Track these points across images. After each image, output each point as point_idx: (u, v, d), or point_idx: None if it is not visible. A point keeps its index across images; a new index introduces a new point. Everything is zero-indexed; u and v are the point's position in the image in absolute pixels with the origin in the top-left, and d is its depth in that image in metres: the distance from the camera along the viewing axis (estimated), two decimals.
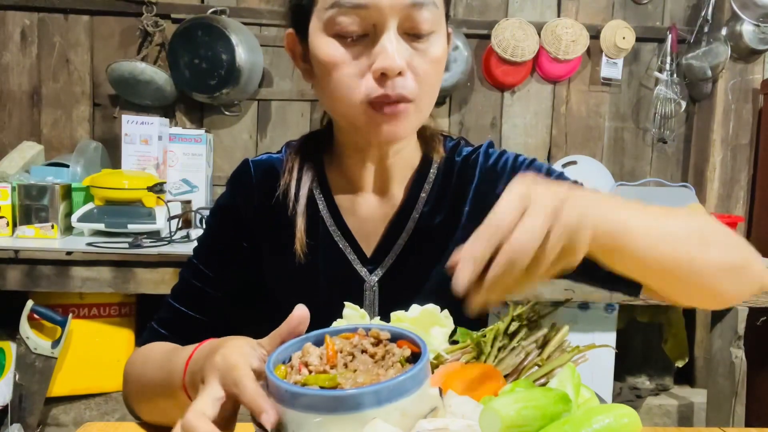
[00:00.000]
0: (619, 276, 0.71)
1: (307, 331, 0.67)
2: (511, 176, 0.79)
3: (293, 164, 0.84)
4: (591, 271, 0.70)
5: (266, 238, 0.85)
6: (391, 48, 0.68)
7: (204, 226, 0.91)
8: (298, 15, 0.75)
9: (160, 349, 0.79)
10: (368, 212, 0.83)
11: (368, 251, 0.83)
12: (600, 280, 0.78)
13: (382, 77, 0.69)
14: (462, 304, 0.71)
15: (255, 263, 0.85)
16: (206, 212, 2.11)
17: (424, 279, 0.83)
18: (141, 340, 0.86)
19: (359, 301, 0.81)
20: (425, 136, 0.85)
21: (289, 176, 0.83)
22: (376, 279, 0.82)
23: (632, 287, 0.79)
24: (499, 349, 0.75)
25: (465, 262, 0.52)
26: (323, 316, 0.70)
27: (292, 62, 0.81)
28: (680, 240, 0.65)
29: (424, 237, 0.82)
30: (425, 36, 0.71)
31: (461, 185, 0.84)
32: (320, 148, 0.85)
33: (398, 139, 0.75)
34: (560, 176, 0.85)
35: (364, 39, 0.70)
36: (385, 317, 0.76)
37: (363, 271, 0.82)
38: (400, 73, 0.69)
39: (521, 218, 0.52)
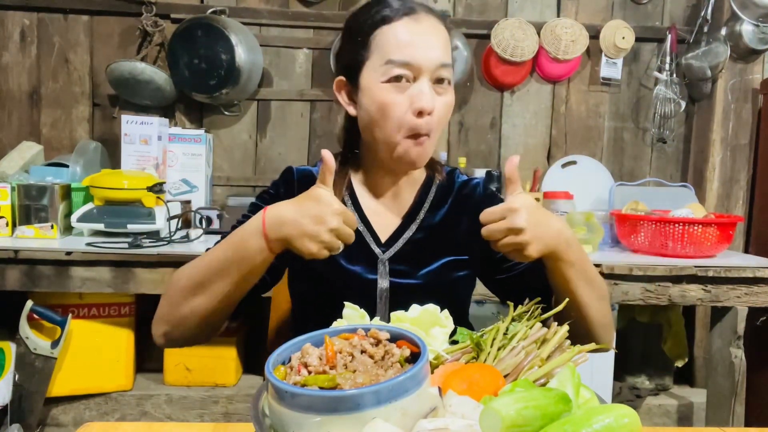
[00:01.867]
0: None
1: (322, 301, 0.95)
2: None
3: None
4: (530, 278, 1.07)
5: None
6: (427, 92, 0.97)
7: (249, 207, 1.10)
8: (351, 68, 1.02)
9: (214, 250, 0.94)
10: (384, 210, 1.10)
11: (383, 237, 1.07)
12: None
13: (419, 114, 0.96)
14: (453, 289, 1.11)
15: None
16: (205, 212, 2.11)
17: (424, 260, 1.07)
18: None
19: (374, 271, 1.05)
20: (429, 163, 1.11)
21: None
22: (388, 256, 1.06)
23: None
24: (499, 349, 0.75)
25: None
26: (344, 284, 1.03)
27: (339, 100, 1.06)
28: (594, 288, 0.97)
29: (425, 231, 1.09)
30: (445, 87, 1.00)
31: (461, 200, 1.12)
32: (348, 163, 1.11)
33: (419, 166, 1.03)
34: None
35: (407, 85, 0.97)
36: (393, 286, 1.04)
37: (377, 250, 1.06)
38: (430, 113, 0.97)
39: (506, 219, 0.87)
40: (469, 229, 1.09)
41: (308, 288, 1.10)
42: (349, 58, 1.02)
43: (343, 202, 1.07)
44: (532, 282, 1.06)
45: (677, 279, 1.92)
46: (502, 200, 1.09)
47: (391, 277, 1.05)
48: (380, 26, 0.98)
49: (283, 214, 0.86)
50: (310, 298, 1.10)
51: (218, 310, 0.95)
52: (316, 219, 0.84)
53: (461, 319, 1.03)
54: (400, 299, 1.01)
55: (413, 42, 0.96)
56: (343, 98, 1.06)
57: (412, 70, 0.96)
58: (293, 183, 1.10)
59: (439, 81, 0.99)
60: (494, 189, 1.17)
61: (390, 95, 0.97)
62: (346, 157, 1.11)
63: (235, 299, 0.95)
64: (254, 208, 1.06)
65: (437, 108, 0.98)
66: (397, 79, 0.96)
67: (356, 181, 1.11)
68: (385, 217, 1.09)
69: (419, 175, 1.12)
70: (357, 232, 1.01)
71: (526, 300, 0.89)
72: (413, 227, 1.08)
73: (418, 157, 1.00)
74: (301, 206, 0.86)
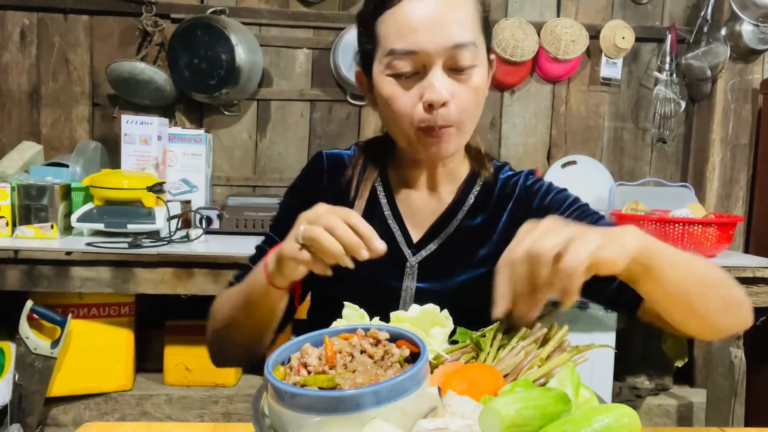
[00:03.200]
0: (621, 298, 0.88)
1: (351, 299, 0.81)
2: (544, 197, 0.97)
3: (358, 160, 1.01)
4: (599, 291, 0.88)
5: None
6: (437, 84, 0.83)
7: (280, 207, 1.05)
8: (365, 58, 0.92)
9: (239, 284, 0.94)
10: (419, 206, 0.99)
11: (415, 237, 0.97)
12: (605, 300, 0.92)
13: (430, 107, 0.84)
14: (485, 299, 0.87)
15: None
16: (205, 212, 2.11)
17: (457, 267, 0.96)
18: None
19: (400, 277, 0.95)
20: (473, 155, 1.02)
21: (353, 170, 1.00)
22: (418, 260, 0.96)
23: (631, 310, 0.90)
24: (498, 349, 0.75)
25: (500, 300, 0.68)
26: (368, 285, 0.90)
27: (360, 90, 0.98)
28: (698, 279, 0.76)
29: (463, 234, 0.97)
30: (466, 70, 0.85)
31: (501, 199, 0.99)
32: (384, 149, 1.01)
33: (443, 158, 0.92)
34: (583, 206, 0.97)
35: (416, 76, 0.85)
36: (420, 293, 0.93)
37: (407, 252, 0.96)
38: (444, 104, 0.84)
39: (563, 256, 0.63)
40: (507, 231, 0.95)
41: (328, 289, 0.96)
42: (361, 48, 0.93)
43: (374, 190, 0.99)
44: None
45: None
46: (545, 188, 0.99)
47: (418, 283, 0.95)
48: (383, 12, 0.86)
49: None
50: (328, 300, 0.96)
51: (253, 341, 0.93)
52: (289, 235, 0.77)
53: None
54: None
55: (418, 25, 0.83)
56: (364, 90, 0.97)
57: (419, 59, 0.84)
58: (322, 173, 1.01)
59: (456, 66, 0.85)
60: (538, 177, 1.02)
61: (396, 89, 0.86)
62: (380, 141, 1.03)
63: (267, 330, 0.92)
64: (283, 209, 1.03)
65: (458, 96, 0.85)
66: (403, 71, 0.84)
67: (393, 173, 1.01)
68: (420, 214, 0.98)
69: (461, 169, 1.00)
70: (388, 229, 0.97)
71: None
72: (449, 229, 0.96)
73: (438, 152, 0.88)
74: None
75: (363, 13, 0.91)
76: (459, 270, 0.96)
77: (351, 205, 0.97)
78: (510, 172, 1.02)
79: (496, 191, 0.99)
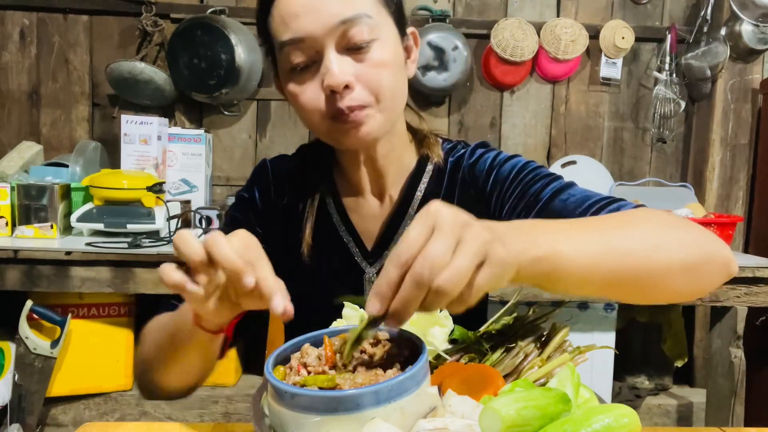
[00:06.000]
0: None
1: (310, 321, 0.73)
2: (490, 174, 0.88)
3: (303, 169, 0.94)
4: None
5: (278, 230, 0.92)
6: (333, 66, 0.75)
7: (226, 218, 0.98)
8: (274, 65, 0.84)
9: (169, 314, 0.83)
10: (370, 211, 0.90)
11: (369, 246, 0.90)
12: None
13: (333, 94, 0.76)
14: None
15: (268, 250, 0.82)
16: (205, 212, 2.11)
17: None
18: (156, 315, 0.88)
19: (360, 291, 0.90)
20: (420, 139, 0.91)
21: (301, 179, 0.93)
22: (375, 271, 0.89)
23: None
24: (498, 349, 0.75)
25: (374, 299, 0.53)
26: (325, 303, 0.76)
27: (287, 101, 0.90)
28: (623, 252, 0.64)
29: None
30: (365, 46, 0.76)
31: (452, 185, 0.90)
32: (329, 154, 0.92)
33: (369, 140, 0.80)
34: (538, 170, 0.87)
35: (314, 66, 0.77)
36: None
37: (363, 263, 0.90)
38: (348, 87, 0.75)
39: (453, 256, 0.50)
40: None
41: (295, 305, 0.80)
42: (268, 55, 0.86)
43: (323, 199, 0.91)
44: None
45: None
46: (490, 162, 0.88)
47: None
48: (270, 8, 0.78)
49: None
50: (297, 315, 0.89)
51: (181, 381, 0.85)
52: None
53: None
54: None
55: (299, 9, 0.75)
56: (288, 99, 0.88)
57: (308, 46, 0.75)
58: (268, 182, 0.94)
59: (351, 44, 0.76)
60: (487, 147, 0.92)
61: (297, 85, 0.78)
62: (321, 149, 0.92)
63: (196, 373, 0.85)
64: (234, 222, 0.89)
65: (362, 76, 0.76)
66: (298, 62, 0.77)
67: (339, 178, 0.92)
68: (371, 220, 0.90)
69: (407, 159, 0.90)
70: (340, 243, 0.89)
71: None
72: (402, 229, 0.87)
73: (358, 136, 0.78)
74: None
75: (257, 17, 0.82)
76: None
77: (301, 219, 0.90)
78: (462, 151, 0.91)
79: (446, 177, 0.89)
